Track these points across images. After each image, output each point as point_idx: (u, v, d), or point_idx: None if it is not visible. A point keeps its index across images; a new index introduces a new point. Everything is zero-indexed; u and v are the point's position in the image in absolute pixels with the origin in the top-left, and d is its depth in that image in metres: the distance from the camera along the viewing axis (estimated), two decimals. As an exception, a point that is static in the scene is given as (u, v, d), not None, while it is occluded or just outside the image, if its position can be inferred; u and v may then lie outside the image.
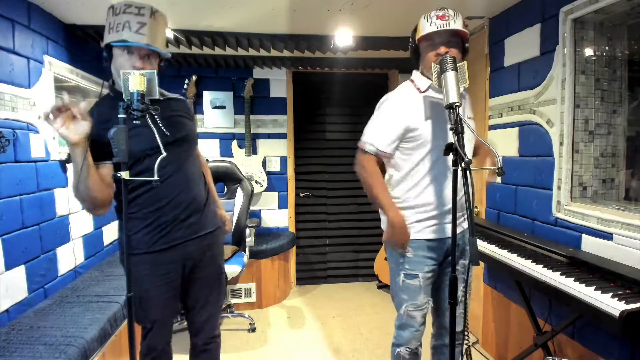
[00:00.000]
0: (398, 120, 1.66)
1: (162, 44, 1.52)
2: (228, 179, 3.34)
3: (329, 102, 4.02)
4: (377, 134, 1.70)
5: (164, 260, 1.55)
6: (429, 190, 1.67)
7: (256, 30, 2.78)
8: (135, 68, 1.42)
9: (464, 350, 1.64)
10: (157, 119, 1.48)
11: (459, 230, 1.70)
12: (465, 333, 1.67)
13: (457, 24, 1.57)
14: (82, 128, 1.28)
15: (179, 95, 1.71)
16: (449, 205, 1.62)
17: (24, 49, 2.11)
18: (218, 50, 3.09)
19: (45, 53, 2.30)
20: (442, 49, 1.57)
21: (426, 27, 1.59)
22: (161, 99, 1.53)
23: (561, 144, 2.01)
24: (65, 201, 2.47)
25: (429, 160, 1.66)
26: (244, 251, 3.13)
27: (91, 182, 1.35)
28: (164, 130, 1.49)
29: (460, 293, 1.59)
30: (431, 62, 1.58)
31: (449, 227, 1.61)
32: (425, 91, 1.68)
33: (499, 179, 2.53)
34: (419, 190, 1.68)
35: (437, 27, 1.56)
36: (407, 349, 1.73)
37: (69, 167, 2.51)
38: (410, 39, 1.73)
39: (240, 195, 3.28)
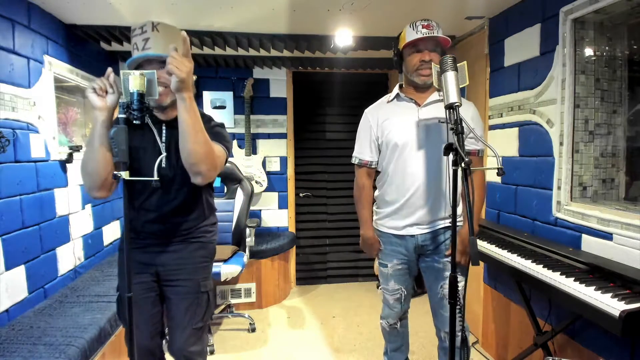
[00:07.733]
0: (367, 131, 1.88)
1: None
2: (228, 179, 3.33)
3: (329, 102, 4.02)
4: (357, 146, 1.94)
5: (137, 259, 1.59)
6: (398, 192, 1.82)
7: (256, 30, 2.78)
8: None
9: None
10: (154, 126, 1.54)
11: (428, 230, 1.82)
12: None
13: (439, 34, 1.75)
14: (109, 98, 1.40)
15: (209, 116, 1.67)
16: (417, 209, 1.79)
17: (24, 49, 2.11)
18: (218, 50, 3.09)
19: (45, 53, 2.30)
20: (426, 55, 1.74)
21: (412, 34, 1.74)
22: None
23: (561, 144, 2.01)
24: (65, 201, 2.47)
25: (401, 164, 1.80)
26: (244, 251, 3.13)
27: (100, 155, 1.40)
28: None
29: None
30: (414, 66, 1.77)
31: (413, 228, 1.82)
32: (390, 101, 1.87)
33: (499, 179, 2.53)
34: (390, 192, 1.85)
35: (423, 35, 1.72)
36: (387, 322, 2.00)
37: (69, 167, 2.51)
38: (394, 45, 1.88)
39: (240, 195, 3.28)
